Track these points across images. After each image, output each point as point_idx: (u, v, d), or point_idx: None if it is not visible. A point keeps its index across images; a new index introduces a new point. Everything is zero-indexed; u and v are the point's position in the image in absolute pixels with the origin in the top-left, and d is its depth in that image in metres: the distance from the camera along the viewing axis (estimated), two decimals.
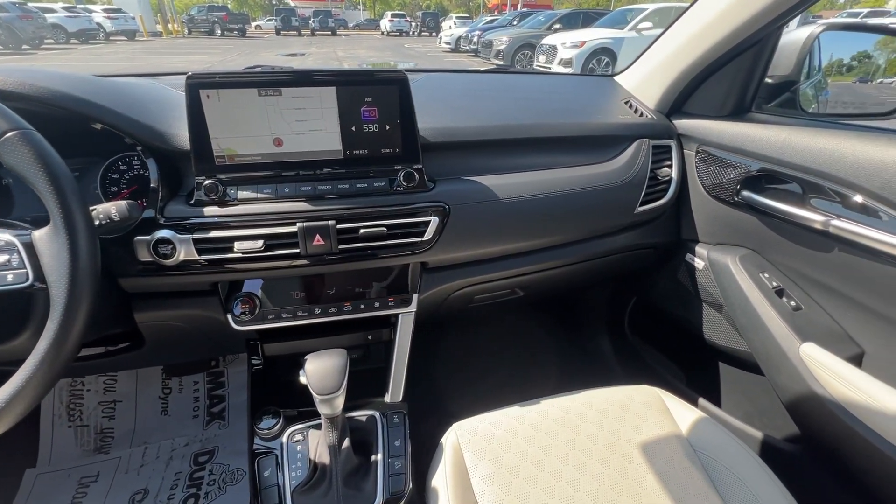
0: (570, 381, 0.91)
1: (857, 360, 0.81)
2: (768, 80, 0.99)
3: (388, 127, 0.77)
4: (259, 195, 0.74)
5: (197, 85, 0.68)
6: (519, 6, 28.05)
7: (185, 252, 0.71)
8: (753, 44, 0.89)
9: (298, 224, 0.74)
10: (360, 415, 0.85)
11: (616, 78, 1.24)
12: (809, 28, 0.94)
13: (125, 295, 0.77)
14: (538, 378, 1.09)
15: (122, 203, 0.61)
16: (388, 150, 0.78)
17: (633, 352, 1.37)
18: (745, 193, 0.92)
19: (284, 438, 0.81)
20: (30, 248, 0.50)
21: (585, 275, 1.13)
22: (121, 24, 20.07)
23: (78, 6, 21.44)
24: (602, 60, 8.60)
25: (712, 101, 1.02)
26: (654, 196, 1.03)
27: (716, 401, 1.15)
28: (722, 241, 1.04)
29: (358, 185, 0.78)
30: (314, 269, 0.79)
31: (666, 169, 1.04)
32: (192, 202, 0.73)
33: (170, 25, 26.04)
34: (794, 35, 0.95)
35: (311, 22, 27.14)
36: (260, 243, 0.73)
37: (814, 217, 0.79)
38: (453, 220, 0.82)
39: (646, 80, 1.11)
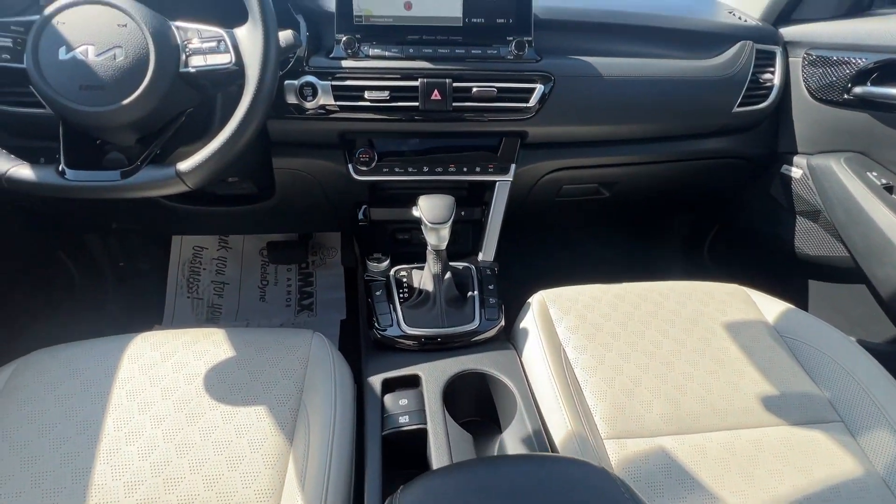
0: None
1: None
2: None
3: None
4: (387, 53, 0.84)
5: None
6: None
7: (323, 97, 0.82)
8: None
9: (420, 80, 0.83)
10: (457, 263, 0.94)
11: None
12: None
13: (267, 144, 0.90)
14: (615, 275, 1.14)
15: (289, 31, 0.73)
16: (502, 20, 0.85)
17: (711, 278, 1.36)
18: (858, 89, 0.90)
19: (391, 272, 0.92)
20: (233, 38, 0.62)
21: (672, 179, 1.14)
22: None
23: None
24: None
25: (826, 2, 1.00)
26: (755, 100, 1.02)
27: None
28: (824, 149, 1.02)
29: (473, 52, 0.85)
30: (428, 125, 0.88)
31: (768, 74, 1.03)
32: (331, 56, 0.84)
33: None
34: None
35: None
36: (386, 93, 0.83)
37: None
38: (556, 91, 0.88)
39: None
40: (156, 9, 0.64)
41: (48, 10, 0.59)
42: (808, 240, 1.05)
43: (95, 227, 1.30)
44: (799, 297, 1.15)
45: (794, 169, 1.06)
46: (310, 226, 1.43)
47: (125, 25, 0.59)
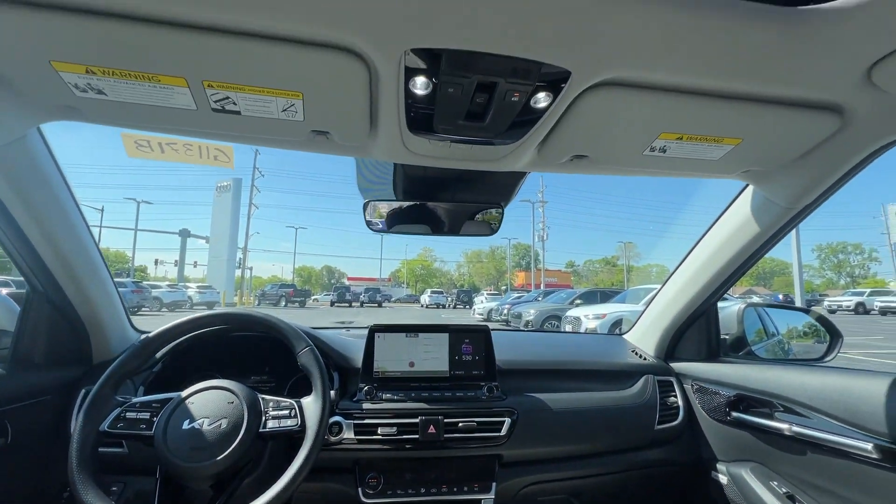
0: None
1: None
2: (725, 337, 1.46)
3: (477, 357, 1.25)
4: (396, 397, 1.17)
5: (374, 329, 1.22)
6: (542, 285, 32.41)
7: (346, 432, 1.09)
8: (703, 312, 1.42)
9: (420, 417, 1.13)
10: None
11: (624, 336, 1.75)
12: (738, 304, 1.48)
13: None
14: None
15: (333, 391, 1.05)
16: (476, 372, 1.24)
17: None
18: (734, 413, 1.26)
19: None
20: (300, 406, 0.93)
21: (629, 487, 1.33)
22: (206, 296, 24.49)
23: (179, 283, 27.01)
24: (623, 331, 9.57)
25: (691, 350, 1.48)
26: (669, 418, 1.36)
27: None
28: (736, 458, 1.29)
29: (457, 394, 1.20)
30: (426, 452, 1.13)
31: (672, 398, 1.40)
32: (354, 400, 1.16)
33: (243, 298, 31.41)
34: (732, 308, 1.49)
35: (361, 296, 31.91)
36: (394, 429, 1.11)
37: (780, 426, 1.11)
38: (520, 422, 1.18)
39: (644, 335, 1.61)
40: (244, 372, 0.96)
41: (185, 393, 0.90)
42: None
43: None
44: None
45: (720, 476, 1.30)
46: None
47: (232, 402, 0.90)
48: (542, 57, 0.62)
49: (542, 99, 0.70)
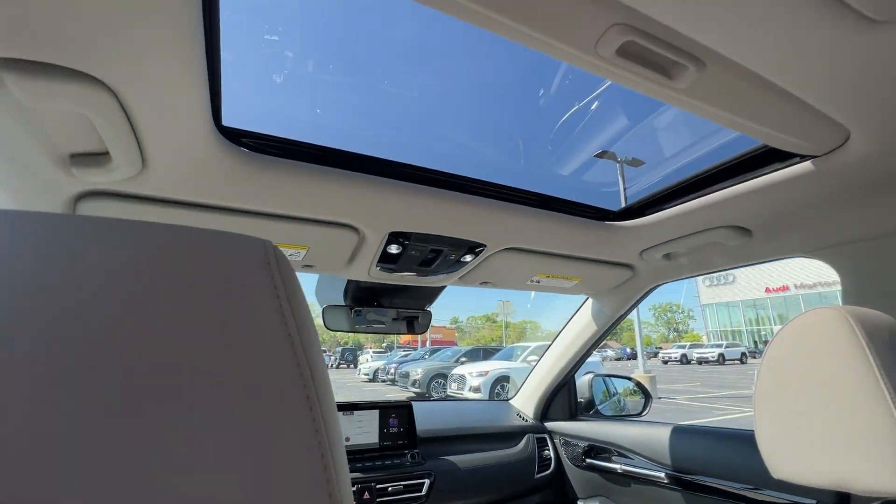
0: None
1: None
2: (581, 400, 1.97)
3: (402, 429, 1.52)
4: None
5: None
6: (428, 343, 32.84)
7: None
8: (565, 383, 1.90)
9: (356, 486, 1.34)
10: None
11: (510, 401, 2.17)
12: (589, 375, 2.01)
13: None
14: None
15: None
16: (401, 442, 1.51)
17: None
18: (588, 460, 1.71)
19: None
20: None
21: None
22: None
23: None
24: (505, 386, 10.33)
25: (558, 412, 1.94)
26: (544, 468, 1.76)
27: None
28: (590, 494, 1.73)
29: (386, 462, 1.44)
30: None
31: (547, 451, 1.82)
32: None
33: None
34: (586, 377, 2.01)
35: None
36: None
37: (615, 466, 1.58)
38: (437, 483, 1.47)
39: (525, 401, 2.04)
40: None
41: None
42: None
43: None
44: None
45: None
46: None
47: None
48: (471, 237, 1.02)
49: (468, 257, 1.09)
